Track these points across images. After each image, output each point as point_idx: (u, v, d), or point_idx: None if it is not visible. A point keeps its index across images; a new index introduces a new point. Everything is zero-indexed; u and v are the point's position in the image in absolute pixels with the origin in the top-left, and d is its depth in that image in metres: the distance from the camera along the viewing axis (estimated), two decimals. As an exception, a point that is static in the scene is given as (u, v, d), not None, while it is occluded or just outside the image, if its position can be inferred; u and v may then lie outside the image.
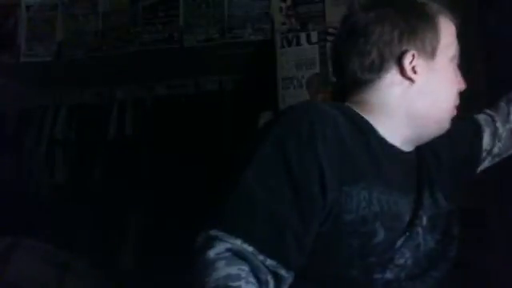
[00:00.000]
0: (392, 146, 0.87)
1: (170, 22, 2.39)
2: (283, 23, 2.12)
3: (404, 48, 0.85)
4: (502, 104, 1.06)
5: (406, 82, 0.86)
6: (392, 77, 0.86)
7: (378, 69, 0.86)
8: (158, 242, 2.23)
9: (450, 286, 0.92)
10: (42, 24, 2.58)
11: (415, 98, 0.86)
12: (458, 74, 0.92)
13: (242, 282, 0.66)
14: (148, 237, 2.34)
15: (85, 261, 2.06)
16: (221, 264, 0.68)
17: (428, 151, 0.93)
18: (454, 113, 0.90)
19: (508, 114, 1.03)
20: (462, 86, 0.92)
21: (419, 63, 0.86)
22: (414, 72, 0.86)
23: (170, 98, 2.52)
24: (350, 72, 0.88)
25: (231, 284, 0.66)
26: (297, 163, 0.74)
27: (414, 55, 0.85)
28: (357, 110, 0.87)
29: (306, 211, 0.73)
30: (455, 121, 0.92)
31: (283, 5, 2.14)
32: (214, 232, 0.71)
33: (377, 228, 0.77)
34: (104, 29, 2.50)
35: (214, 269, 0.67)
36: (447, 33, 0.89)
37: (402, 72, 0.86)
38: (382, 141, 0.86)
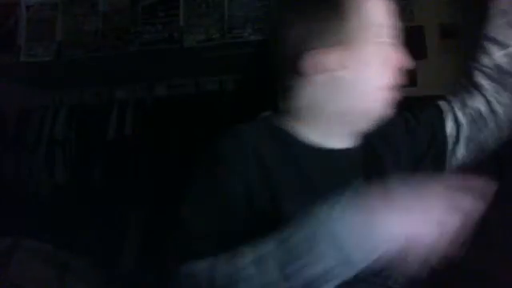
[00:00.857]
0: (320, 149, 0.84)
1: (170, 22, 2.39)
2: (283, 23, 2.12)
3: (314, 46, 0.81)
4: (465, 84, 0.97)
5: (323, 79, 0.82)
6: (309, 77, 0.83)
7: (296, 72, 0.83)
8: (158, 242, 2.23)
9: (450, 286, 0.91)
10: (42, 24, 2.59)
11: (335, 93, 0.82)
12: (389, 49, 0.83)
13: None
14: (148, 237, 2.34)
15: (85, 261, 2.06)
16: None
17: (379, 141, 0.89)
18: (390, 95, 0.83)
19: (469, 96, 0.95)
20: (396, 62, 0.83)
21: (332, 58, 0.81)
22: (329, 68, 0.81)
23: (170, 98, 2.53)
24: (276, 78, 0.88)
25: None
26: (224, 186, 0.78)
27: (323, 51, 0.81)
28: (286, 120, 0.86)
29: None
30: (416, 107, 0.90)
31: (283, 5, 2.14)
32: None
33: None
34: (104, 29, 2.50)
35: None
36: (357, 13, 0.81)
37: (317, 70, 0.82)
38: (307, 147, 0.83)
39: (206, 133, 2.37)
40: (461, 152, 0.94)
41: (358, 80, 0.81)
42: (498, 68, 0.92)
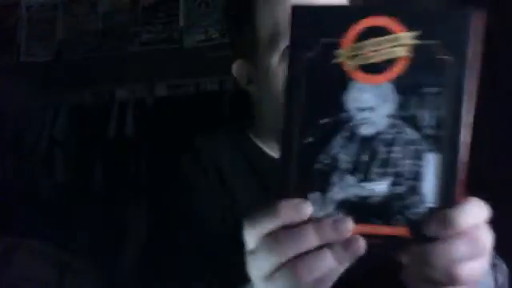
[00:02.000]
0: (271, 159, 0.80)
1: (170, 21, 2.39)
2: (283, 23, 2.12)
3: (235, 56, 0.79)
4: None
5: (255, 89, 0.79)
6: (252, 86, 0.79)
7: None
8: (158, 242, 2.23)
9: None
10: (42, 24, 2.59)
11: (258, 107, 0.81)
12: None
13: None
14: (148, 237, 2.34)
15: (85, 261, 2.06)
16: None
17: None
18: None
19: None
20: None
21: (238, 71, 0.78)
22: (240, 82, 0.79)
23: (170, 98, 2.52)
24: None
25: None
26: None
27: (236, 63, 0.78)
28: (246, 131, 0.84)
29: None
30: None
31: (283, 5, 2.14)
32: None
33: None
34: (104, 29, 2.50)
35: None
36: (266, 22, 0.73)
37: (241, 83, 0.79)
38: (267, 159, 0.80)
39: (205, 133, 2.37)
40: None
41: (261, 95, 0.77)
42: None
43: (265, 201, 0.66)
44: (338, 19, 0.45)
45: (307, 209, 0.43)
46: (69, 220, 2.36)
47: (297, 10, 0.46)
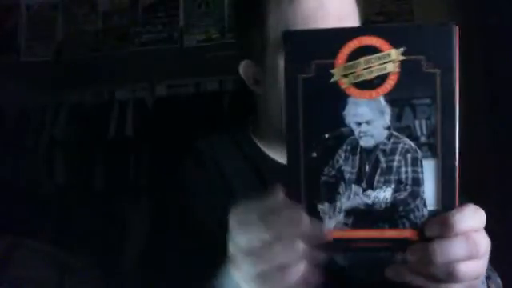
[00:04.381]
0: (275, 162, 0.79)
1: (170, 21, 2.39)
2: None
3: (241, 57, 0.80)
4: None
5: (256, 92, 0.80)
6: (259, 86, 0.80)
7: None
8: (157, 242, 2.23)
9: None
10: (42, 24, 2.59)
11: (261, 108, 0.81)
12: None
13: None
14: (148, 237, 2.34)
15: (85, 261, 2.06)
16: None
17: None
18: None
19: None
20: None
21: (245, 71, 0.79)
22: (247, 82, 0.79)
23: (170, 98, 2.53)
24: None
25: None
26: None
27: (243, 64, 0.79)
28: (248, 133, 0.85)
29: None
30: None
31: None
32: None
33: None
34: (104, 29, 2.50)
35: None
36: (276, 24, 0.73)
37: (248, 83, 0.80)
38: (267, 161, 0.80)
39: (205, 133, 2.37)
40: None
41: (268, 96, 0.77)
42: None
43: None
44: (329, 41, 0.48)
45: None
46: (69, 220, 2.36)
47: (288, 34, 0.49)
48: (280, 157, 0.77)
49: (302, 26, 0.70)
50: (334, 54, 0.47)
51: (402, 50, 0.47)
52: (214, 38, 2.29)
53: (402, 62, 0.47)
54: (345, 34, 0.48)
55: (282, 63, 0.70)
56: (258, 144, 0.83)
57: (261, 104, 0.82)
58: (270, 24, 0.74)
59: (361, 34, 0.47)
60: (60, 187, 2.54)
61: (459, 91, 0.47)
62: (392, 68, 0.47)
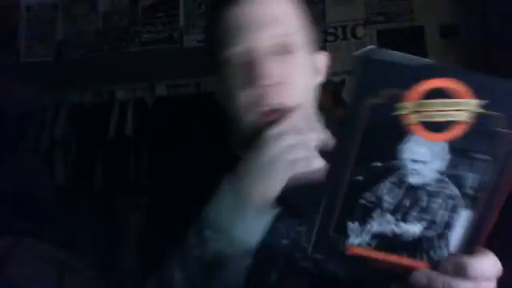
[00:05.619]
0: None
1: (170, 22, 2.39)
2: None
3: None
4: None
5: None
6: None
7: None
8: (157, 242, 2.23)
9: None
10: (42, 24, 2.59)
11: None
12: (253, 70, 0.69)
13: None
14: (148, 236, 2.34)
15: (85, 261, 2.06)
16: None
17: None
18: (266, 119, 0.68)
19: None
20: (256, 83, 0.69)
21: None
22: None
23: (170, 98, 2.53)
24: None
25: None
26: None
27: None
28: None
29: None
30: None
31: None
32: None
33: None
34: (104, 29, 2.50)
35: None
36: (222, 30, 0.72)
37: None
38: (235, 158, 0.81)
39: (205, 133, 2.37)
40: None
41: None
42: None
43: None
44: (407, 74, 0.46)
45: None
46: (68, 219, 2.36)
47: (365, 60, 0.47)
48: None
49: (238, 35, 0.70)
50: (410, 87, 0.46)
51: (483, 103, 0.45)
52: (213, 37, 2.29)
53: (477, 114, 0.45)
54: (426, 71, 0.46)
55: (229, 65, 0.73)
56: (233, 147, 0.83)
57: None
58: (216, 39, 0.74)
59: (443, 74, 0.46)
60: (60, 187, 2.54)
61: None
62: (466, 117, 0.46)
